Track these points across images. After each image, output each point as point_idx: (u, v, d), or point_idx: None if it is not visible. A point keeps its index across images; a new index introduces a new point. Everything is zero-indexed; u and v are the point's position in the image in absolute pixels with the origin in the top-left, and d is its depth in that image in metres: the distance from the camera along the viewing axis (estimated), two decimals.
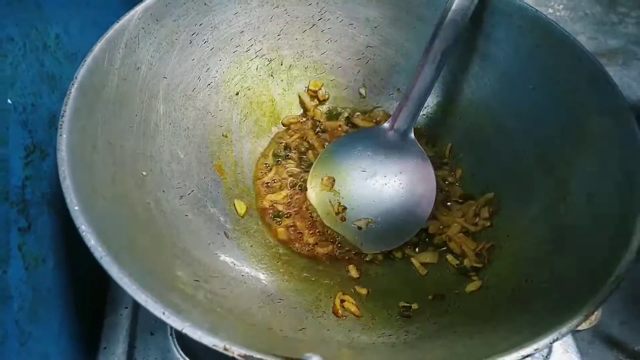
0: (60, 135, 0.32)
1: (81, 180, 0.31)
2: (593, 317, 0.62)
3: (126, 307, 0.47)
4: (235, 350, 0.26)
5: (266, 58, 0.52)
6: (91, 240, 0.28)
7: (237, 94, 0.51)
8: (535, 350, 0.27)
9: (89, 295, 0.47)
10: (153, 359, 0.44)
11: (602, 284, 0.30)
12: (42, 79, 0.40)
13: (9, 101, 0.36)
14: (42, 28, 0.41)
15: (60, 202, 0.40)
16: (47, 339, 0.40)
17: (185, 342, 0.45)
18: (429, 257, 0.47)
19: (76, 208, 0.29)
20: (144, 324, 0.46)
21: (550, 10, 0.95)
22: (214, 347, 0.26)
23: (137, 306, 0.47)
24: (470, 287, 0.42)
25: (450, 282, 0.44)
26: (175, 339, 0.45)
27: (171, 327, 0.45)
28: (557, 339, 0.28)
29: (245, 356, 0.25)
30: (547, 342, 0.28)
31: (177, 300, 0.30)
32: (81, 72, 0.35)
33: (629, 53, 0.91)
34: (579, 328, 0.61)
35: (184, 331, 0.26)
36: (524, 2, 0.44)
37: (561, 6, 0.96)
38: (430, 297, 0.43)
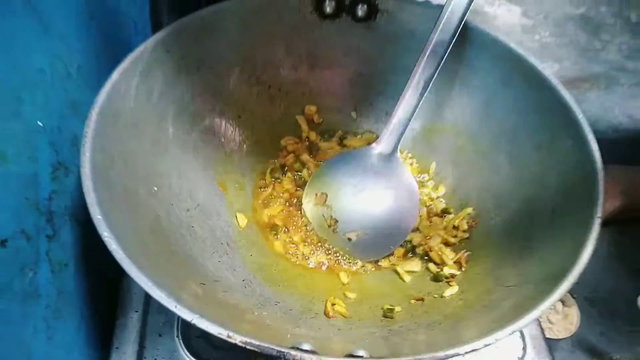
0: (84, 154, 0.35)
1: (101, 193, 0.34)
2: (572, 327, 0.66)
3: (136, 311, 0.49)
4: (237, 338, 0.29)
5: (266, 84, 0.55)
6: (112, 244, 0.31)
7: (239, 116, 0.54)
8: (496, 340, 0.31)
9: (103, 299, 0.49)
10: (161, 358, 0.46)
11: (557, 288, 0.33)
12: (66, 104, 0.43)
13: (40, 123, 0.39)
14: (67, 59, 0.43)
15: (81, 214, 0.44)
16: (69, 336, 0.43)
17: (190, 342, 0.47)
18: (412, 265, 0.50)
19: (99, 217, 0.32)
20: (152, 327, 0.48)
21: (537, 37, 0.95)
22: (219, 335, 0.29)
23: (146, 311, 0.49)
24: (448, 292, 0.45)
25: (430, 287, 0.47)
26: (181, 340, 0.47)
27: (178, 329, 0.48)
28: (514, 331, 0.31)
29: (245, 342, 0.29)
30: (505, 333, 0.31)
31: (186, 298, 0.33)
32: (100, 98, 0.38)
33: (612, 78, 0.93)
34: (560, 337, 0.65)
35: (193, 322, 0.29)
36: (498, 36, 0.47)
37: (547, 32, 0.95)
38: (412, 300, 0.46)
